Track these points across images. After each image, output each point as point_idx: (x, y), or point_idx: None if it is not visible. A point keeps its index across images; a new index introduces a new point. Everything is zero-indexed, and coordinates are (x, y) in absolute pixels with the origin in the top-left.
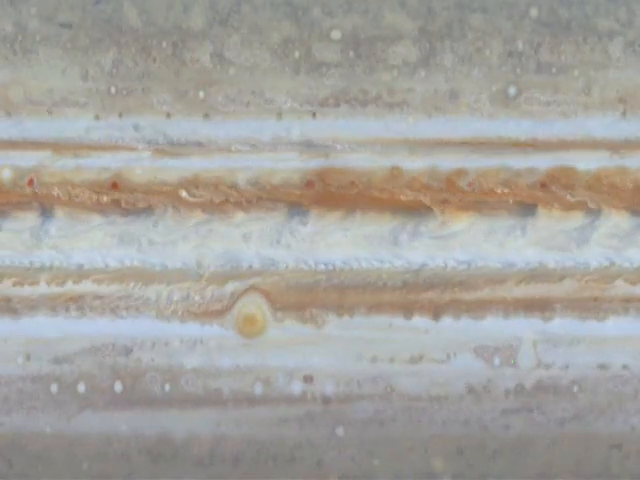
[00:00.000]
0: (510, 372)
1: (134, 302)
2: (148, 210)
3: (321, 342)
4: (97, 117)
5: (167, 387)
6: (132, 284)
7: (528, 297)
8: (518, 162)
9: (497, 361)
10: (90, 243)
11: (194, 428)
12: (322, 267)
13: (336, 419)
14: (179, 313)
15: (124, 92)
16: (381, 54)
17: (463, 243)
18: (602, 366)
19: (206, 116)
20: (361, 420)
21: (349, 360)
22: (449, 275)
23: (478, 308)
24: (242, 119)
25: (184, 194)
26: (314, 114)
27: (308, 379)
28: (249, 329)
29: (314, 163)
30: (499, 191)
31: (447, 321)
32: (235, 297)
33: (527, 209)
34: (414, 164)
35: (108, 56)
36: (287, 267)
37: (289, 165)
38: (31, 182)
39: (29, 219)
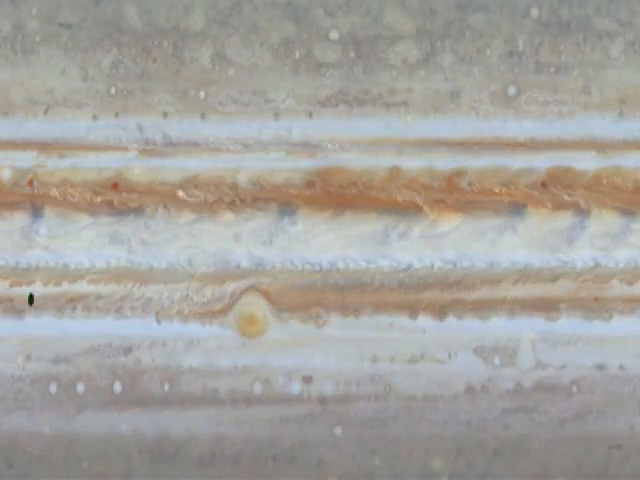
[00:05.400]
0: (510, 372)
1: (134, 302)
2: (149, 210)
3: (321, 342)
4: (96, 117)
5: (167, 387)
6: (132, 284)
7: (528, 297)
8: (518, 162)
9: (497, 361)
10: (87, 242)
11: (194, 428)
12: (323, 267)
13: (336, 419)
14: (179, 313)
15: (124, 92)
16: (381, 54)
17: (460, 243)
18: (602, 366)
19: (206, 116)
20: (361, 420)
21: (349, 360)
22: (448, 275)
23: (478, 308)
24: (242, 119)
25: (182, 194)
26: (314, 114)
27: (307, 379)
28: (249, 329)
29: (314, 163)
30: (498, 191)
31: (447, 321)
32: (235, 297)
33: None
34: (414, 164)
35: (108, 56)
36: (288, 267)
37: (289, 165)
38: (31, 182)
39: (24, 219)
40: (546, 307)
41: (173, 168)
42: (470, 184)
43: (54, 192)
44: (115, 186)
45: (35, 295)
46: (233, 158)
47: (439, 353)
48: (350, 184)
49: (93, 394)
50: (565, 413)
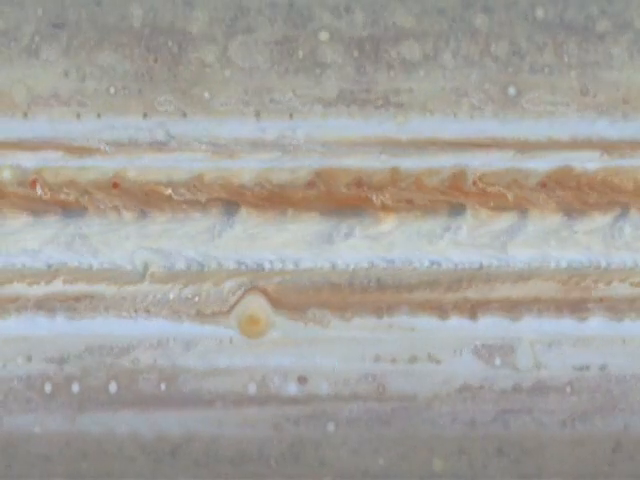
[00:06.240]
0: (509, 372)
1: (133, 302)
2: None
3: (322, 342)
4: (97, 117)
5: (165, 387)
6: (132, 284)
7: (527, 297)
8: (518, 162)
9: (496, 361)
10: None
11: (192, 428)
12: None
13: (335, 419)
14: (179, 313)
15: (124, 92)
16: (381, 54)
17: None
18: (601, 366)
19: (206, 116)
20: (361, 420)
21: (349, 360)
22: (449, 275)
23: (479, 308)
24: (243, 119)
25: (184, 193)
26: (315, 114)
27: (302, 380)
28: (251, 329)
29: (314, 163)
30: (501, 191)
31: (446, 320)
32: (237, 297)
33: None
34: (413, 164)
35: (108, 56)
36: (288, 267)
37: (291, 165)
38: (34, 183)
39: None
40: (546, 307)
41: (174, 168)
42: (473, 183)
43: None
44: (116, 186)
45: (33, 295)
46: (234, 158)
47: (439, 353)
48: (351, 184)
49: (91, 394)
50: (565, 413)
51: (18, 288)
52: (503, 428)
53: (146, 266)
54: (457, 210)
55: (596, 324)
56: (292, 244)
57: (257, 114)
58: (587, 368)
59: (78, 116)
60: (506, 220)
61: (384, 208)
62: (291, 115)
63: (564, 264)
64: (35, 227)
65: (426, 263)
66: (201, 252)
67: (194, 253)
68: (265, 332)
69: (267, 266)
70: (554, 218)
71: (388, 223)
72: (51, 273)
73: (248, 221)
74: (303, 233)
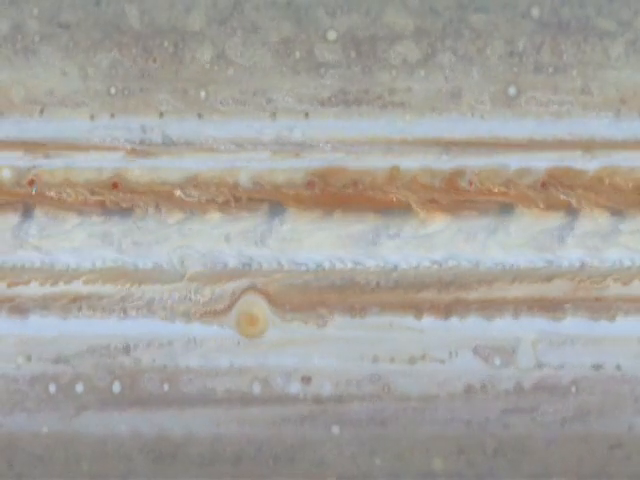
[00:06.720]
0: (509, 372)
1: (134, 302)
2: (150, 210)
3: (321, 342)
4: (102, 117)
5: (166, 387)
6: (132, 284)
7: (528, 297)
8: (518, 162)
9: (497, 361)
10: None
11: (193, 428)
12: (324, 267)
13: (335, 419)
14: (179, 313)
15: (124, 92)
16: (381, 54)
17: (461, 243)
18: (601, 366)
19: (206, 116)
20: (361, 420)
21: (349, 360)
22: (448, 275)
23: (478, 308)
24: (242, 119)
25: (181, 194)
26: (314, 114)
27: (307, 379)
28: (250, 329)
29: (314, 163)
30: (497, 191)
31: (446, 321)
32: (235, 297)
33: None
34: (413, 164)
35: (108, 56)
36: (288, 267)
37: (289, 165)
38: (32, 182)
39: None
40: (547, 307)
41: (174, 168)
42: (470, 184)
43: (58, 193)
44: (115, 186)
45: (32, 295)
46: (233, 158)
47: (439, 353)
48: (351, 184)
49: (92, 394)
50: (565, 413)
51: (20, 289)
52: (503, 428)
53: (172, 264)
54: (505, 210)
55: (597, 324)
56: (331, 244)
57: (257, 114)
58: (587, 368)
59: (79, 116)
60: (554, 220)
61: (425, 208)
62: (291, 115)
63: (563, 264)
64: (82, 227)
65: (425, 263)
66: (244, 253)
67: (235, 254)
68: (264, 332)
69: (269, 266)
70: (601, 219)
71: (436, 223)
72: (51, 273)
73: (293, 222)
74: (340, 233)
